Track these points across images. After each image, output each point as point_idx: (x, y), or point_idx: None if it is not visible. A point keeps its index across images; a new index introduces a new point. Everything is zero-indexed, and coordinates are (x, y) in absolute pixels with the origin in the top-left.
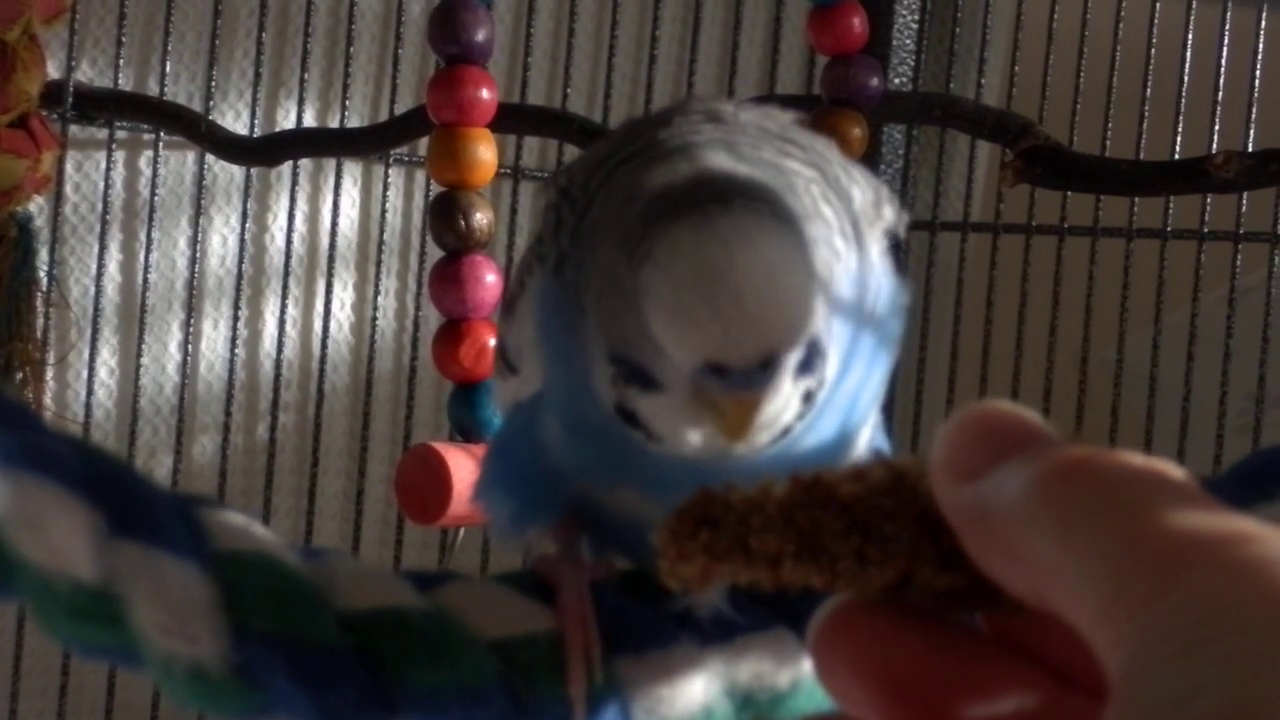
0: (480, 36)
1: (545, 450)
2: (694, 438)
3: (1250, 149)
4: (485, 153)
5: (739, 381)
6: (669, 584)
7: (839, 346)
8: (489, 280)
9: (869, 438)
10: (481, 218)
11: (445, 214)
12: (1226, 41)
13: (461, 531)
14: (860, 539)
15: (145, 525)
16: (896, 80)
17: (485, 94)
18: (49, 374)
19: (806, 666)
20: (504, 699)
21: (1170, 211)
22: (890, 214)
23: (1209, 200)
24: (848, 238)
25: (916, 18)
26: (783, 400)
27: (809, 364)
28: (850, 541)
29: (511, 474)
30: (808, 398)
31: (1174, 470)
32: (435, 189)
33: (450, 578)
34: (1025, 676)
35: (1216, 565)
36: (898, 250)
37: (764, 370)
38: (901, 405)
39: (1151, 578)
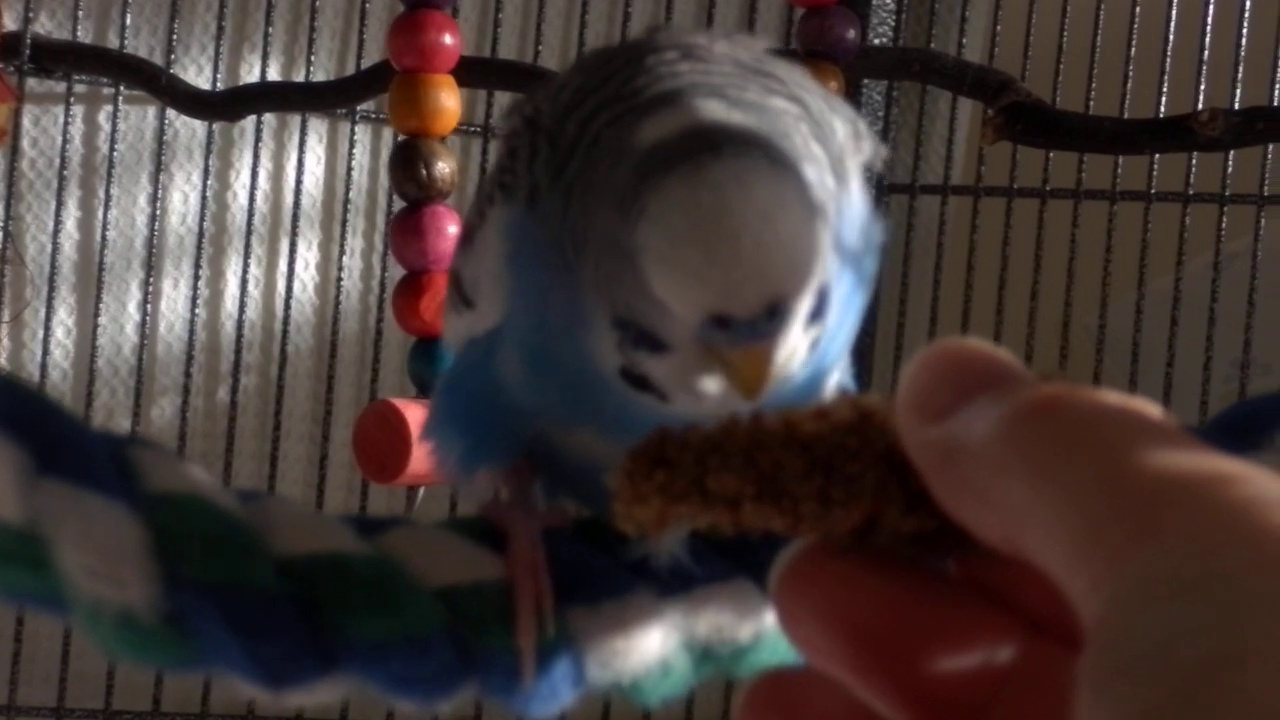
0: None
1: (501, 388)
2: (707, 396)
3: (1236, 108)
4: (448, 100)
5: (745, 332)
6: (624, 528)
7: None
8: (451, 231)
9: (837, 380)
10: (444, 166)
11: (406, 163)
12: None
13: (422, 491)
14: (823, 479)
15: (73, 464)
16: (877, 40)
17: (448, 39)
18: (4, 333)
19: (769, 620)
20: (449, 650)
21: (1155, 173)
22: (868, 147)
23: (1194, 161)
24: (835, 174)
25: None
26: (794, 349)
27: (819, 310)
28: (813, 482)
29: (463, 412)
30: (814, 345)
31: (1153, 409)
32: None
33: (395, 524)
34: (998, 625)
35: (1201, 506)
36: (876, 184)
37: (771, 318)
38: (879, 371)
39: (1131, 519)
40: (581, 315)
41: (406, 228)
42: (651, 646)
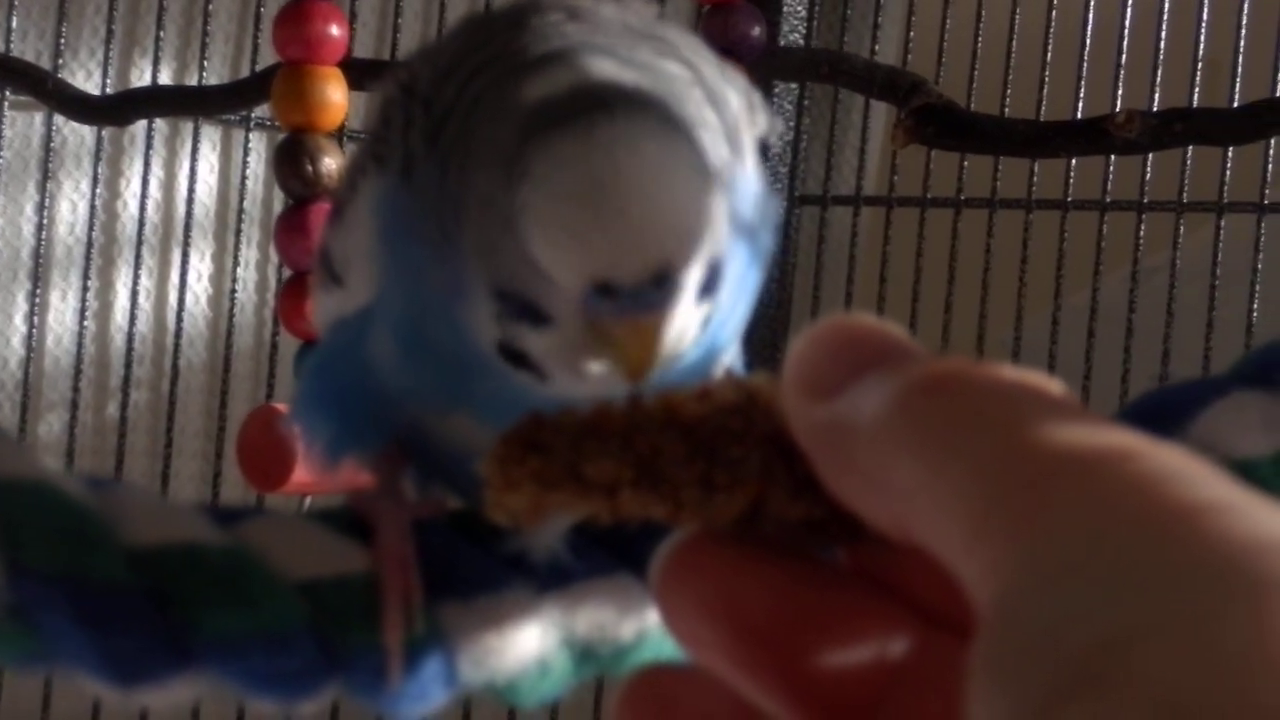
0: None
1: (371, 370)
2: (589, 375)
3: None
4: (334, 93)
5: (631, 303)
6: (496, 517)
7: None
8: None
9: (728, 365)
10: (330, 162)
11: (291, 159)
12: None
13: (309, 500)
14: (705, 464)
15: None
16: (786, 42)
17: (335, 30)
18: None
19: (652, 617)
20: (311, 647)
21: (1072, 181)
22: (763, 120)
23: (1112, 168)
24: (730, 144)
25: None
26: (684, 326)
27: (711, 284)
28: (694, 467)
29: (330, 396)
30: (706, 323)
31: (1052, 384)
32: None
33: (255, 514)
34: (891, 617)
35: (1098, 482)
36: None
37: (659, 288)
38: None
39: (1024, 497)
40: (459, 287)
41: (292, 226)
42: (528, 644)
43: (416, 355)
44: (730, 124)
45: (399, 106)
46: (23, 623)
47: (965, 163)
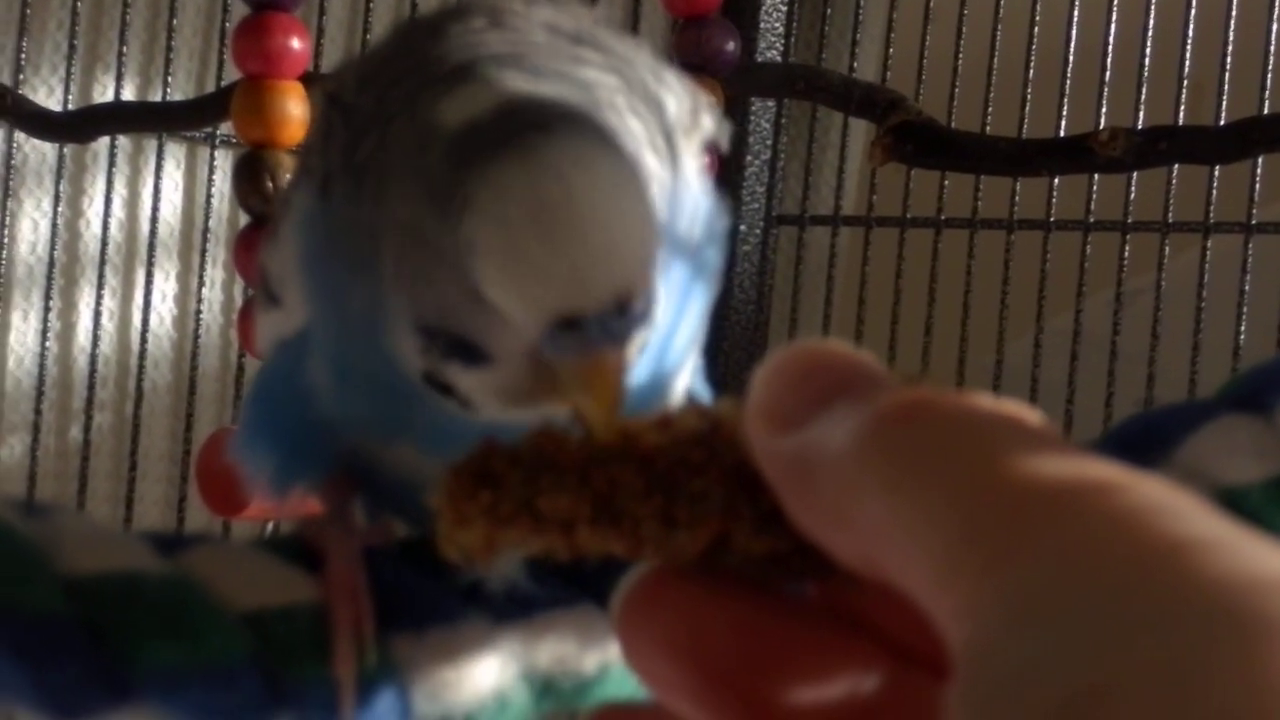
0: None
1: (311, 397)
2: (527, 410)
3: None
4: (295, 108)
5: (597, 333)
6: (448, 553)
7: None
8: None
9: (686, 384)
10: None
11: (251, 175)
12: (1115, 15)
13: (272, 525)
14: (665, 498)
15: None
16: (763, 58)
17: (296, 44)
18: None
19: (615, 650)
20: (256, 680)
21: (1054, 201)
22: (709, 123)
23: (1095, 188)
24: (660, 152)
25: None
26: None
27: (646, 309)
28: (654, 501)
29: (273, 423)
30: (642, 349)
31: (1029, 414)
32: None
33: (199, 541)
34: (861, 654)
35: (1076, 518)
36: (722, 163)
37: (621, 315)
38: None
39: (999, 534)
40: (381, 314)
41: (252, 244)
42: (486, 678)
43: (348, 382)
44: (665, 130)
45: (324, 116)
46: None
47: (946, 182)
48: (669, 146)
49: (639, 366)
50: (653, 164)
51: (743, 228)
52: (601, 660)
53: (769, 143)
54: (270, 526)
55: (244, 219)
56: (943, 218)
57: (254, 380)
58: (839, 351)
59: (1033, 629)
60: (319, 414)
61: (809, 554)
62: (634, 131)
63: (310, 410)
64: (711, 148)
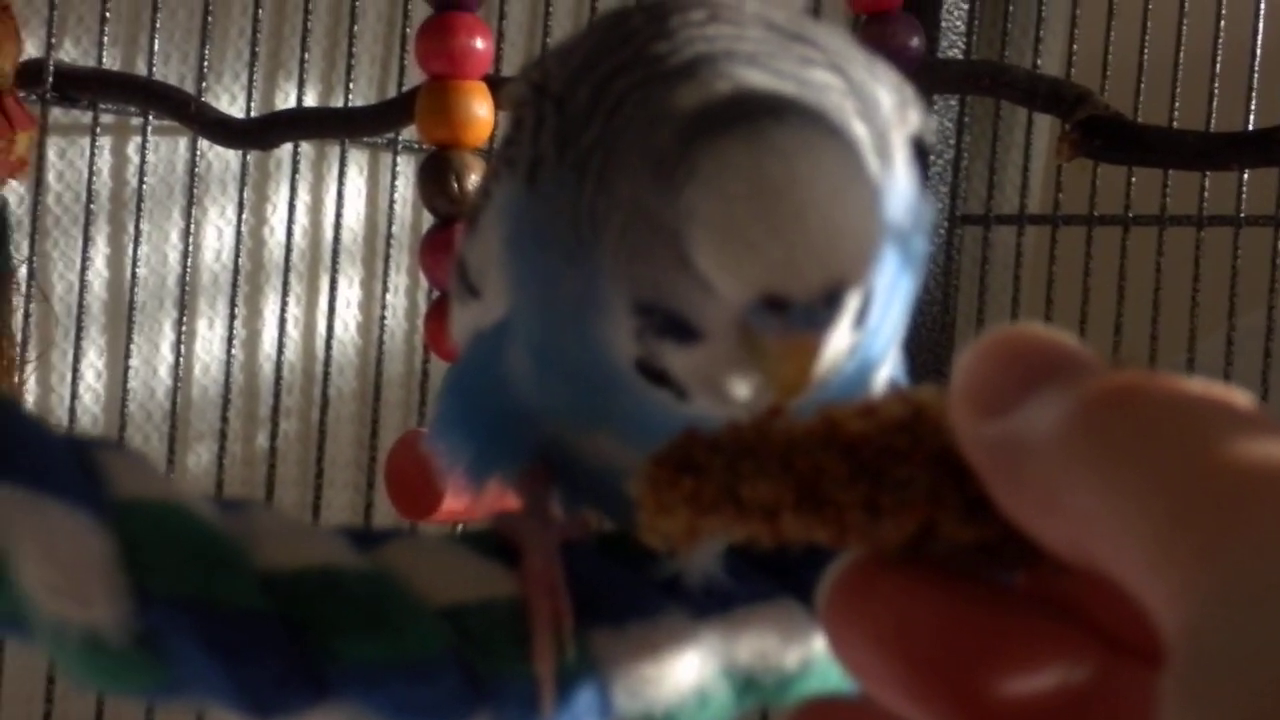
0: None
1: (510, 386)
2: (732, 395)
3: None
4: (479, 108)
5: (798, 319)
6: (650, 541)
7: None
8: None
9: (888, 375)
10: (477, 180)
11: (436, 176)
12: None
13: (461, 528)
14: (870, 485)
15: (29, 468)
16: (945, 57)
17: (479, 43)
18: (30, 374)
19: (818, 645)
20: (456, 675)
21: (1244, 195)
22: (915, 117)
23: None
24: (879, 154)
25: None
26: (837, 351)
27: (863, 311)
28: (859, 488)
29: (471, 414)
30: (854, 351)
31: (1239, 397)
32: None
33: (395, 536)
34: (1072, 643)
35: None
36: (923, 158)
37: (828, 305)
38: None
39: (1214, 517)
40: (595, 300)
41: (438, 245)
42: (686, 673)
43: (550, 371)
44: (880, 129)
45: (530, 107)
46: (152, 651)
47: (1133, 178)
48: (883, 144)
49: (843, 368)
50: (875, 168)
51: None
52: (803, 655)
53: (952, 142)
54: (458, 530)
55: (428, 225)
56: (1130, 215)
57: (449, 373)
58: (1044, 335)
59: (1253, 612)
60: (517, 404)
61: (1016, 541)
62: (861, 136)
63: (508, 401)
64: (917, 142)
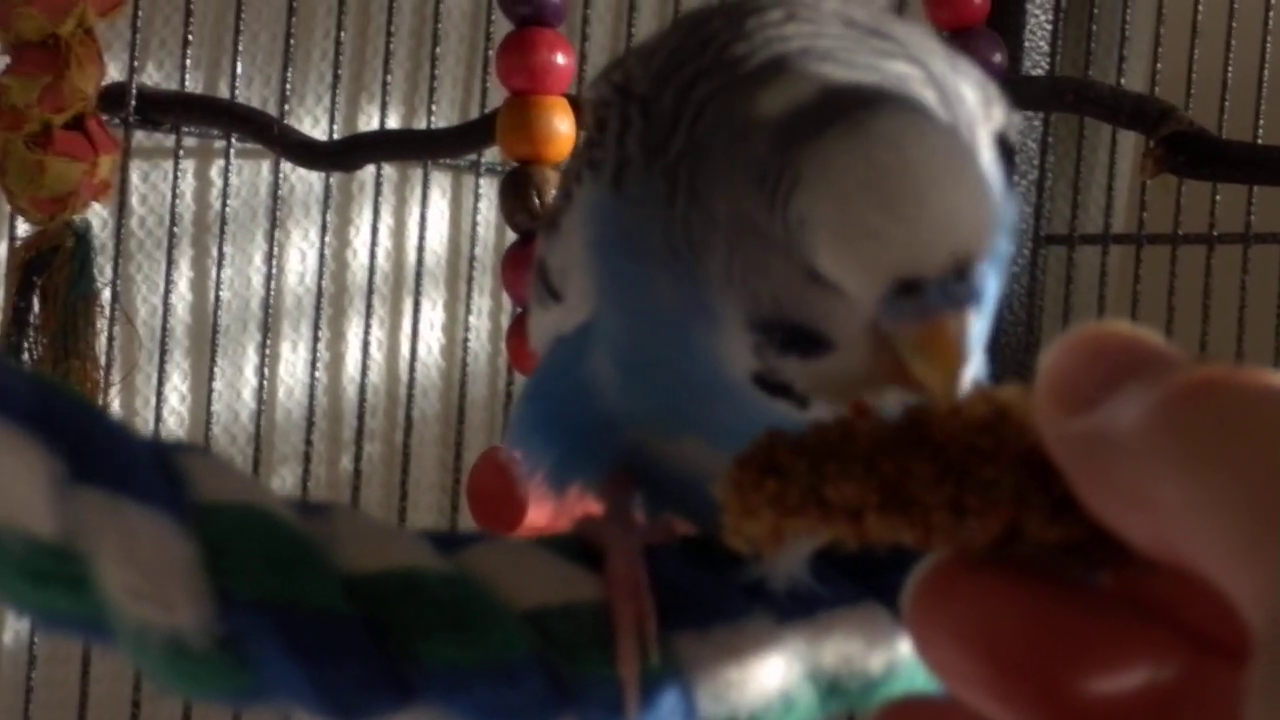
0: None
1: (592, 391)
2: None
3: None
4: (561, 124)
5: (936, 297)
6: (734, 544)
7: None
8: None
9: (973, 375)
10: None
11: (518, 192)
12: None
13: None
14: (955, 486)
15: (112, 471)
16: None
17: (560, 59)
18: (114, 398)
19: (903, 649)
20: (540, 679)
21: None
22: (1000, 114)
23: None
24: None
25: (1051, 6)
26: (980, 333)
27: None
28: (944, 489)
29: (552, 419)
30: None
31: None
32: None
33: (478, 539)
34: (1159, 642)
35: None
36: (1009, 156)
37: (961, 280)
38: None
39: None
40: (701, 315)
41: (520, 261)
42: (771, 678)
43: (639, 377)
44: (966, 122)
45: (614, 108)
46: (234, 655)
47: (1217, 196)
48: (970, 137)
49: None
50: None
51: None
52: (888, 660)
53: (1035, 161)
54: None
55: (509, 245)
56: (1215, 233)
57: (530, 379)
58: (1128, 331)
59: None
60: (600, 409)
61: (1102, 540)
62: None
63: (591, 406)
64: (1001, 139)
